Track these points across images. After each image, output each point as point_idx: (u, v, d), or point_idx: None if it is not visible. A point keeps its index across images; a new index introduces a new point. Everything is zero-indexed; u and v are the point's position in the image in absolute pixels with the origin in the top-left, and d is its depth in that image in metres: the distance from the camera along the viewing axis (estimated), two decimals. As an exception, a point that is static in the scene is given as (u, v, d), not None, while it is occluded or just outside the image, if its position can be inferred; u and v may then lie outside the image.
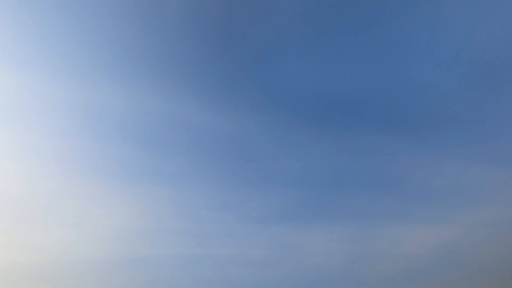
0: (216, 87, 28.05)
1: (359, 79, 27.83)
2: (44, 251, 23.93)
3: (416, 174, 27.12)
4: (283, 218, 26.60)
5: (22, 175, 24.96)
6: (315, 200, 27.07)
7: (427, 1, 26.27)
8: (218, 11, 26.99)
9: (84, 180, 25.50)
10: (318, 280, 24.67)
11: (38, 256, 23.82)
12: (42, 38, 25.50)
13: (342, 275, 24.83)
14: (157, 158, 26.88)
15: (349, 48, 27.51)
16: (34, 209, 24.53)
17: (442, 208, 26.37)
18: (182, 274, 24.43)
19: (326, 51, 27.65)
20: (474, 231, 25.66)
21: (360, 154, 27.61)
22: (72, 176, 25.53)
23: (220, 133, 27.88)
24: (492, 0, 25.94)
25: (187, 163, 27.15)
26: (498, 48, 26.59)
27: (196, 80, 27.77)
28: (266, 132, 27.89)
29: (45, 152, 25.36)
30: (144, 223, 25.41)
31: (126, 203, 25.65)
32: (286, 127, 28.01)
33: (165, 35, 26.79)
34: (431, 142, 27.41)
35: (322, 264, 25.48)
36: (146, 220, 25.56)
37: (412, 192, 26.75)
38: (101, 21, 25.93)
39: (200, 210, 26.29)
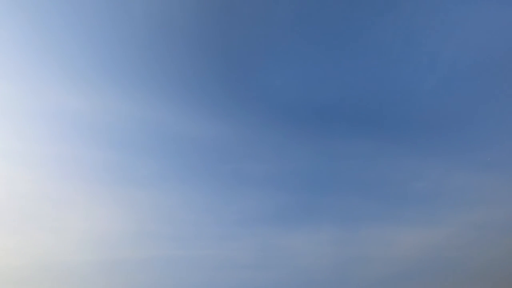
0: (193, 91, 28.25)
1: (340, 84, 28.08)
2: (23, 254, 23.59)
3: (398, 177, 27.12)
4: (266, 221, 26.44)
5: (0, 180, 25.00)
6: (297, 202, 26.96)
7: (403, 11, 26.85)
8: (201, 17, 27.28)
9: (62, 184, 25.42)
10: (306, 282, 24.45)
11: (18, 259, 23.56)
12: (17, 45, 25.78)
13: (330, 278, 24.57)
14: (135, 161, 26.87)
15: (329, 55, 27.85)
16: (13, 213, 24.37)
17: (427, 210, 26.30)
18: (164, 276, 24.17)
19: (305, 57, 27.97)
20: (461, 233, 25.54)
21: (340, 157, 27.65)
22: (50, 180, 25.41)
23: (196, 135, 27.96)
24: (466, 8, 26.54)
25: (165, 167, 27.15)
26: (474, 54, 27.04)
27: (173, 85, 27.97)
28: (243, 135, 27.97)
29: (23, 157, 25.28)
30: (124, 226, 25.24)
31: (105, 206, 25.55)
32: (264, 129, 28.11)
33: (140, 41, 27.07)
34: (412, 145, 27.52)
35: (309, 267, 25.26)
36: (125, 223, 25.39)
37: (395, 194, 26.71)
38: (79, 25, 26.21)
39: (179, 213, 26.19)
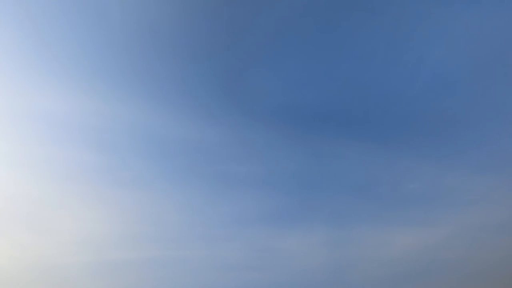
0: (178, 92, 28.31)
1: (329, 85, 28.19)
2: (4, 255, 23.59)
3: (389, 178, 27.01)
4: (257, 222, 26.23)
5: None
6: (289, 203, 26.77)
7: (389, 14, 27.24)
8: (188, 19, 27.47)
9: (47, 185, 25.29)
10: (299, 284, 24.17)
11: (6, 261, 23.50)
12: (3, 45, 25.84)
13: (324, 279, 24.30)
14: (124, 163, 26.78)
15: (318, 57, 28.10)
16: (1, 215, 24.28)
17: (421, 212, 26.18)
18: (154, 278, 23.92)
19: (294, 59, 28.15)
20: (456, 234, 25.38)
21: (331, 158, 27.59)
22: (34, 181, 25.33)
23: (185, 137, 27.92)
24: (451, 12, 26.97)
25: (153, 168, 27.05)
26: (458, 60, 27.37)
27: (157, 85, 28.04)
28: (232, 136, 27.93)
29: (12, 159, 25.27)
30: (114, 228, 25.02)
31: (95, 208, 25.36)
32: (253, 131, 28.08)
33: (129, 44, 27.19)
34: (402, 147, 27.52)
35: (302, 268, 25.00)
36: (115, 225, 25.19)
37: (388, 195, 26.57)
38: (67, 27, 26.32)
39: (168, 214, 25.98)
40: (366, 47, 27.32)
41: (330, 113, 28.15)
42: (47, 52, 26.32)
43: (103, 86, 26.81)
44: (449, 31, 27.10)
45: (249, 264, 24.81)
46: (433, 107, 27.44)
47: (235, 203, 26.49)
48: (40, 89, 26.23)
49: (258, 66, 27.98)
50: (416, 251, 25.41)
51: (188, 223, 25.77)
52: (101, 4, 25.86)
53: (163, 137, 27.71)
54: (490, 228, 24.95)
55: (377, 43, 27.21)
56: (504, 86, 26.82)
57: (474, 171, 26.61)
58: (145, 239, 25.02)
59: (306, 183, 27.21)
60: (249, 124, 27.91)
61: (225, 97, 28.07)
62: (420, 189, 26.66)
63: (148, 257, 24.55)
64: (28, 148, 25.52)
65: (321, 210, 26.53)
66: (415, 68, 27.36)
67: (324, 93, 28.11)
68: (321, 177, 27.17)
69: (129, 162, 26.67)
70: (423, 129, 27.53)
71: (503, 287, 22.77)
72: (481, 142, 26.73)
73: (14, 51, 25.87)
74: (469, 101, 27.42)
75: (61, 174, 25.61)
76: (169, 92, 27.91)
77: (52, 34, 26.17)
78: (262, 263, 24.94)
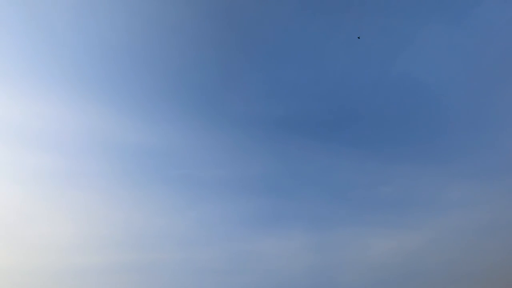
0: (141, 95, 28.46)
1: (297, 90, 28.97)
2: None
3: (361, 180, 27.40)
4: (231, 225, 25.73)
5: None
6: (263, 207, 26.52)
7: (355, 31, 28.96)
8: (152, 24, 27.97)
9: (11, 189, 24.32)
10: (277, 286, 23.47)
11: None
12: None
13: (305, 283, 23.68)
14: (84, 165, 26.18)
15: (286, 64, 29.09)
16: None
17: (399, 214, 26.41)
18: (124, 282, 22.74)
19: (262, 65, 28.96)
20: (438, 238, 25.50)
21: (300, 161, 27.84)
22: None
23: (148, 140, 27.75)
24: (413, 28, 28.98)
25: (115, 171, 26.55)
26: (427, 68, 29.00)
27: (120, 89, 28.11)
28: (199, 139, 27.99)
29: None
30: (76, 231, 24.01)
31: (53, 211, 24.34)
32: (222, 134, 28.26)
33: (83, 48, 27.31)
34: (372, 150, 28.20)
35: (279, 272, 24.37)
36: (78, 228, 24.18)
37: (361, 198, 26.77)
38: (10, 30, 26.25)
39: (133, 218, 25.20)
40: (336, 58, 28.42)
41: (301, 118, 28.62)
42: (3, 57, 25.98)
43: (64, 93, 26.52)
44: (415, 43, 28.61)
45: (225, 267, 24.06)
46: (402, 114, 28.31)
47: (207, 206, 26.03)
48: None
49: (228, 74, 28.44)
50: (397, 254, 25.32)
51: (158, 226, 25.01)
52: (49, 12, 25.92)
53: (130, 142, 27.34)
54: (470, 232, 25.20)
55: (344, 55, 28.40)
56: (481, 92, 28.11)
57: (452, 176, 27.26)
58: (113, 242, 24.02)
59: (279, 187, 27.16)
60: (220, 128, 27.97)
61: (195, 102, 28.20)
62: (394, 192, 26.96)
63: (120, 260, 23.49)
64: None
65: (296, 213, 26.34)
66: (380, 76, 28.52)
67: (295, 99, 28.68)
68: (293, 180, 27.24)
69: (92, 166, 26.07)
70: (393, 134, 28.25)
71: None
72: (458, 149, 27.58)
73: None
74: (445, 108, 28.52)
75: (26, 178, 24.70)
76: (136, 98, 27.82)
77: (5, 40, 25.94)
78: (238, 267, 24.23)
